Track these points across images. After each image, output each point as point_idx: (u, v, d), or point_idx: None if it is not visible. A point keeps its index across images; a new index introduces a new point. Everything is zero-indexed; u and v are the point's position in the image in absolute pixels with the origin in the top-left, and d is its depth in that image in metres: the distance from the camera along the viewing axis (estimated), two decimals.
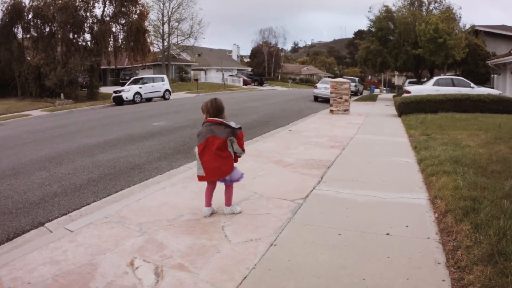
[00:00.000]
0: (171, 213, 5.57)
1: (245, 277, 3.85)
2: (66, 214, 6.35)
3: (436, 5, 40.77)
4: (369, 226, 4.99)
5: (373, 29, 40.17)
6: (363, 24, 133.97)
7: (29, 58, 41.98)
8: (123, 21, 45.25)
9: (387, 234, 4.74)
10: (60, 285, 3.98)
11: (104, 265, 4.20)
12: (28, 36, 42.42)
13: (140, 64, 54.82)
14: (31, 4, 40.50)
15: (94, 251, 4.57)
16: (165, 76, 40.09)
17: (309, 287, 3.66)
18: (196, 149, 5.64)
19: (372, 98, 38.04)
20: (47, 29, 41.61)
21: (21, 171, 9.47)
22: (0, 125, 23.99)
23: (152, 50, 54.87)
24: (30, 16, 40.97)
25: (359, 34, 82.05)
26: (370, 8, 41.67)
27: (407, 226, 4.96)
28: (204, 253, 4.38)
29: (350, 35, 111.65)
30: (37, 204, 7.10)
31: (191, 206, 5.85)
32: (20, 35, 42.22)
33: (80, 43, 43.19)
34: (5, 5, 39.61)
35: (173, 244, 4.61)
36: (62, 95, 39.29)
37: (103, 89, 44.95)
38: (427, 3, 41.62)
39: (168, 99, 36.72)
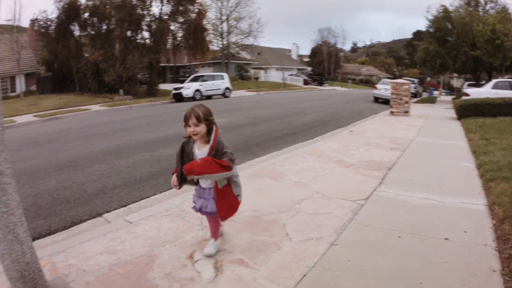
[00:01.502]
0: None
1: (305, 275, 3.84)
2: (125, 206, 6.49)
3: (492, 5, 39.77)
4: (428, 230, 4.90)
5: (431, 30, 39.39)
6: (421, 25, 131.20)
7: (86, 55, 43.22)
8: (181, 20, 46.04)
9: (446, 239, 4.63)
10: (116, 274, 4.07)
11: (162, 257, 4.26)
12: (85, 33, 43.80)
13: (199, 62, 55.61)
14: (87, 3, 41.79)
15: (153, 242, 4.65)
16: (225, 74, 40.41)
17: None
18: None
19: (431, 100, 37.26)
20: (104, 27, 42.81)
21: (80, 163, 9.74)
22: (59, 119, 24.83)
23: (211, 48, 55.59)
24: (86, 15, 42.26)
25: (417, 34, 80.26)
26: (428, 8, 41.15)
27: (465, 232, 4.82)
28: (264, 249, 4.39)
29: (409, 35, 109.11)
30: (95, 195, 7.28)
31: (252, 203, 5.80)
32: (77, 32, 43.63)
33: (138, 40, 44.17)
34: (61, 3, 40.99)
35: (234, 240, 4.63)
36: (121, 91, 40.25)
37: (163, 86, 45.73)
38: (483, 2, 40.54)
39: (228, 97, 37.00)
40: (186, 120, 4.07)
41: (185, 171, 4.01)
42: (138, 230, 5.04)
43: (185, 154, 4.25)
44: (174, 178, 4.22)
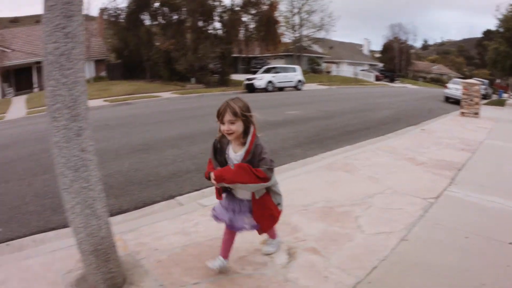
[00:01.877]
0: (305, 199, 5.63)
1: (375, 267, 3.87)
2: (198, 190, 6.65)
3: None
4: (494, 233, 4.81)
5: (501, 29, 37.96)
6: (492, 24, 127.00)
7: (157, 44, 44.14)
8: (253, 11, 46.34)
9: (510, 243, 4.54)
10: (188, 255, 4.22)
11: (236, 241, 4.33)
12: (156, 23, 44.78)
13: (271, 54, 55.86)
14: None
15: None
16: (298, 67, 40.40)
17: (433, 285, 3.64)
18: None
19: (500, 103, 36.02)
20: (175, 17, 43.63)
21: (153, 146, 10.02)
22: (129, 104, 25.55)
23: (283, 41, 55.70)
24: (157, 4, 43.20)
25: (487, 34, 77.85)
26: (497, 6, 39.62)
27: None
28: (336, 239, 4.42)
29: (479, 34, 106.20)
30: (168, 178, 7.49)
31: (324, 195, 5.85)
32: (147, 21, 44.71)
33: (210, 31, 44.82)
34: None
35: (307, 229, 4.67)
36: (193, 79, 41.01)
37: (234, 77, 46.27)
38: None
39: (300, 89, 36.98)
40: (220, 115, 3.50)
41: (215, 178, 3.45)
42: (209, 214, 5.15)
43: (217, 156, 3.73)
44: (211, 181, 3.55)
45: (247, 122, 3.51)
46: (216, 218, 3.89)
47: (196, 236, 4.63)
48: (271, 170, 3.51)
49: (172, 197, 6.49)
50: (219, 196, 3.82)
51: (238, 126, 3.47)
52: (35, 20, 78.62)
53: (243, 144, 3.54)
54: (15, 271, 4.38)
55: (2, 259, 4.99)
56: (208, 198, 5.93)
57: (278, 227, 4.58)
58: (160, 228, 4.98)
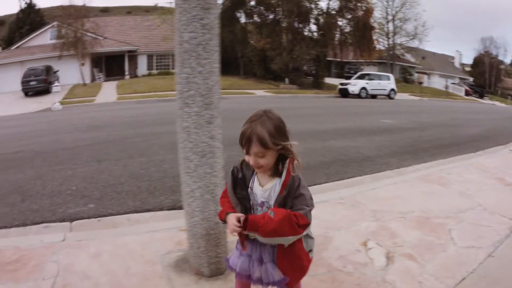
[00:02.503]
0: (403, 206, 5.69)
1: (464, 279, 3.91)
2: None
3: None
4: None
5: None
6: None
7: (251, 41, 44.61)
8: (349, 16, 46.00)
9: None
10: None
11: (337, 240, 4.52)
12: (251, 21, 45.20)
13: (365, 60, 55.26)
14: None
15: (328, 225, 4.92)
16: (391, 75, 39.78)
17: None
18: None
19: None
20: (271, 16, 43.90)
21: None
22: (225, 99, 26.05)
23: (377, 48, 54.96)
24: (252, 3, 43.61)
25: None
26: None
27: None
28: (431, 248, 4.48)
29: None
30: None
31: (421, 205, 5.89)
32: (242, 19, 45.23)
33: (305, 33, 44.88)
34: None
35: (404, 235, 4.75)
36: (286, 79, 41.25)
37: (327, 80, 46.08)
38: None
39: (393, 98, 36.33)
40: (244, 143, 2.49)
41: (247, 226, 2.42)
42: (313, 212, 5.33)
43: (238, 188, 2.67)
44: (233, 226, 2.45)
45: (282, 150, 2.53)
46: (232, 268, 2.84)
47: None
48: (310, 212, 2.57)
49: None
50: (245, 246, 2.73)
51: (269, 159, 2.50)
52: (125, 11, 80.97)
53: (275, 175, 2.58)
54: (109, 247, 4.71)
55: (95, 233, 5.35)
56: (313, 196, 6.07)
57: (378, 232, 4.73)
58: None
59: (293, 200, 2.51)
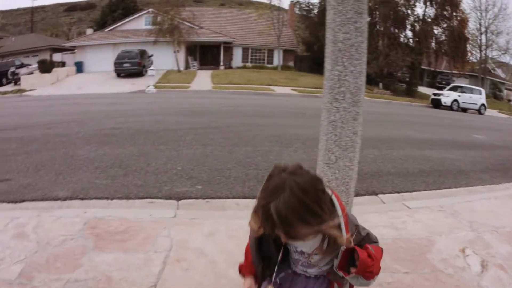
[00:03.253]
0: (495, 221, 5.71)
1: None
2: (399, 192, 7.02)
3: None
4: None
5: None
6: None
7: None
8: (444, 25, 44.48)
9: None
10: (398, 247, 4.71)
11: (439, 244, 4.77)
12: None
13: (456, 72, 53.40)
14: None
15: (430, 230, 5.18)
16: (483, 90, 38.10)
17: None
18: None
19: None
20: (368, 19, 43.13)
21: None
22: (317, 97, 25.52)
23: (469, 60, 52.94)
24: None
25: None
26: None
27: None
28: None
29: None
30: (371, 176, 7.96)
31: (510, 221, 5.88)
32: None
33: (401, 39, 43.89)
34: None
35: (496, 247, 4.85)
36: (381, 84, 40.69)
37: (420, 89, 44.94)
38: None
39: (482, 114, 34.71)
40: (267, 225, 1.82)
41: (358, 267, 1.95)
42: (416, 216, 5.64)
43: (264, 245, 2.19)
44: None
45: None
46: None
47: (405, 233, 5.13)
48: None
49: (375, 193, 6.96)
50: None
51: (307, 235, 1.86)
52: (218, 3, 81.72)
53: None
54: (224, 228, 5.04)
55: (206, 214, 5.71)
56: (411, 201, 6.38)
57: (474, 241, 4.95)
58: (371, 219, 5.48)
59: (361, 242, 2.10)
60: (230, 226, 4.96)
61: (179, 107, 17.60)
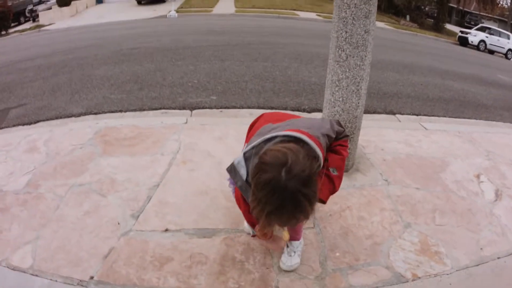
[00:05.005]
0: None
1: None
2: (417, 115, 6.79)
3: None
4: None
5: None
6: None
7: None
8: None
9: None
10: (411, 163, 4.54)
11: (453, 166, 4.55)
12: None
13: (486, 14, 51.87)
14: None
15: (446, 152, 4.96)
16: (511, 35, 37.33)
17: None
18: None
19: None
20: None
21: (376, 65, 10.24)
22: None
23: (500, 4, 51.33)
24: None
25: None
26: None
27: None
28: None
29: None
30: (390, 96, 7.74)
31: None
32: None
33: None
34: None
35: None
36: (408, 16, 39.59)
37: (448, 26, 43.85)
38: None
39: (509, 59, 33.52)
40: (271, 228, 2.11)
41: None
42: (433, 137, 5.39)
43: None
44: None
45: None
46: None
47: (419, 150, 4.91)
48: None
49: (392, 112, 6.75)
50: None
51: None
52: None
53: None
54: (234, 133, 5.03)
55: (218, 120, 5.65)
56: (430, 123, 6.14)
57: (490, 170, 4.71)
58: (386, 134, 5.35)
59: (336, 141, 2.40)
60: (240, 130, 4.79)
61: (200, 28, 17.20)
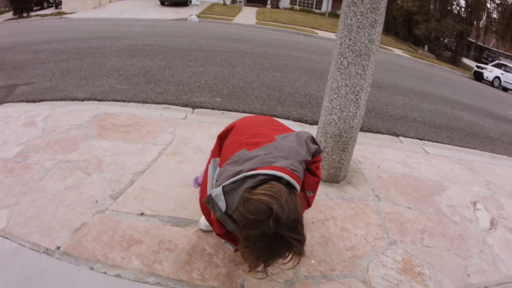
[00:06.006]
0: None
1: None
2: (420, 139, 6.69)
3: None
4: None
5: None
6: None
7: (399, 1, 42.65)
8: (498, 1, 42.66)
9: None
10: (407, 183, 4.45)
11: (450, 191, 4.44)
12: None
13: (504, 51, 51.78)
14: None
15: (444, 176, 4.85)
16: None
17: None
18: None
19: None
20: None
21: (384, 88, 10.24)
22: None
23: None
24: None
25: None
26: None
27: None
28: None
29: None
30: (395, 119, 7.67)
31: None
32: None
33: (454, 5, 42.38)
34: None
35: (510, 211, 4.55)
36: (426, 46, 39.59)
37: (465, 60, 43.90)
38: None
39: None
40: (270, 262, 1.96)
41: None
42: (433, 161, 5.28)
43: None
44: None
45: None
46: None
47: (417, 172, 4.80)
48: None
49: (396, 134, 6.64)
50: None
51: None
52: None
53: None
54: None
55: (217, 120, 5.65)
56: (431, 148, 6.03)
57: (488, 199, 4.56)
58: (385, 152, 5.25)
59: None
60: None
61: (217, 34, 17.41)
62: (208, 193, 2.17)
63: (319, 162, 2.47)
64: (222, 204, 2.08)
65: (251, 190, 1.94)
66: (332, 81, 3.79)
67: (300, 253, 1.88)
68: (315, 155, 2.39)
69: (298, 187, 2.07)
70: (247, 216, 1.86)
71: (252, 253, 1.89)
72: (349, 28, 3.57)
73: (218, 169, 2.35)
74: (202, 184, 2.51)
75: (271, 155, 2.15)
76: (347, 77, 3.68)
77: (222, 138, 2.51)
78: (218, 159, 2.46)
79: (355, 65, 3.62)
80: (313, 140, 2.41)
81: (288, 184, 2.01)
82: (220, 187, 2.07)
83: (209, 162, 2.53)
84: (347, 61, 3.63)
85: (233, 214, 2.04)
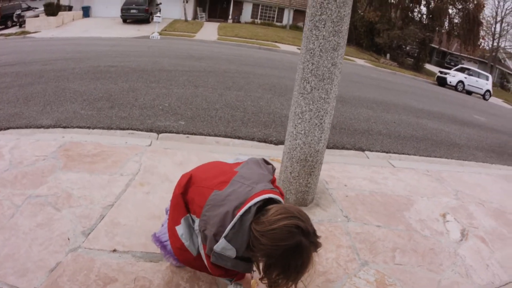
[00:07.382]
0: (483, 195, 5.50)
1: None
2: (386, 152, 6.83)
3: None
4: None
5: None
6: None
7: (359, 11, 43.47)
8: (459, 6, 43.76)
9: None
10: (375, 200, 4.50)
11: (419, 205, 4.53)
12: None
13: (466, 55, 52.99)
14: None
15: (412, 190, 4.95)
16: (490, 76, 37.59)
17: None
18: None
19: None
20: None
21: (349, 101, 10.35)
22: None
23: (481, 45, 52.45)
24: None
25: None
26: None
27: None
28: (503, 240, 4.33)
29: None
30: (360, 133, 7.75)
31: (500, 199, 5.63)
32: None
33: (415, 13, 43.38)
34: None
35: (480, 220, 4.62)
36: (388, 55, 40.33)
37: (427, 66, 44.76)
38: None
39: (487, 100, 34.16)
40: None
41: None
42: (400, 175, 5.38)
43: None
44: None
45: None
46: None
47: (385, 188, 4.88)
48: None
49: (362, 149, 6.75)
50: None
51: None
52: None
53: None
54: (196, 159, 5.02)
55: (182, 145, 5.64)
56: (397, 161, 6.14)
57: (457, 209, 4.68)
58: (351, 170, 5.31)
59: None
60: (202, 157, 4.86)
61: (179, 52, 17.41)
62: (210, 251, 2.22)
63: (275, 180, 2.56)
64: (231, 253, 2.14)
65: (258, 224, 2.02)
66: (296, 106, 3.81)
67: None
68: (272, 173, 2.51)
69: (282, 202, 2.20)
70: (280, 244, 1.94)
71: (292, 275, 1.99)
72: (311, 53, 3.59)
73: (196, 221, 2.39)
74: (172, 244, 2.59)
75: (245, 186, 2.22)
76: (311, 102, 3.70)
77: (183, 194, 2.49)
78: (189, 215, 2.49)
79: (318, 90, 3.65)
80: (266, 161, 2.58)
81: (276, 202, 2.14)
82: (223, 238, 2.12)
83: (173, 223, 2.53)
84: (310, 86, 3.66)
85: (244, 254, 2.14)
